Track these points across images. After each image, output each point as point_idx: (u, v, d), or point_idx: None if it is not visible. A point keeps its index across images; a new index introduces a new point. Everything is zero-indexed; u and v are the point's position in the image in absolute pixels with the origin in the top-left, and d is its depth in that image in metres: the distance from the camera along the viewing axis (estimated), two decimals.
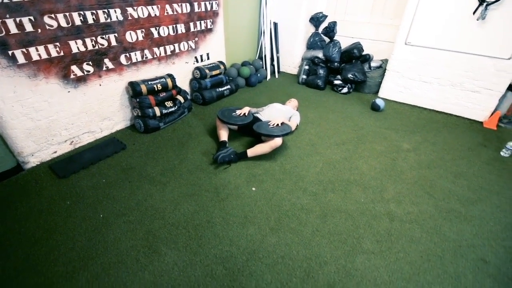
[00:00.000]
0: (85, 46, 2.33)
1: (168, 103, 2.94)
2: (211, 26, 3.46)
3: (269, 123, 2.54)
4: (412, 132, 3.05)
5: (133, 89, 2.67)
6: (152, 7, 2.70)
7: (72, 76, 2.33)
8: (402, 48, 3.47)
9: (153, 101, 2.78)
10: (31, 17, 1.96)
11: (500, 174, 2.42)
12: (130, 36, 2.63)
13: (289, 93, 3.98)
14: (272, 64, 4.64)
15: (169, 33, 2.98)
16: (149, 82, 2.76)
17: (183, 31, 3.12)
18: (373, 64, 4.00)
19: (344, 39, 4.29)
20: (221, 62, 3.65)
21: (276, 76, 4.69)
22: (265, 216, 1.90)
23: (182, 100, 3.09)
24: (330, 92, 4.12)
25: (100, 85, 2.56)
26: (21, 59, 2.00)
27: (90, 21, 2.29)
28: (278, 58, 4.67)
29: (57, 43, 2.15)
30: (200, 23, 3.29)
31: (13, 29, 1.91)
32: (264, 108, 2.93)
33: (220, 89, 3.63)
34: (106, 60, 2.52)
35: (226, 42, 3.88)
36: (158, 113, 2.82)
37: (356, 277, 1.53)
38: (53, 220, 1.82)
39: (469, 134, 3.06)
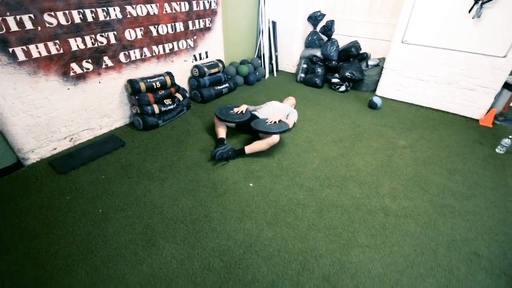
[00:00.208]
0: (85, 44, 2.36)
1: (167, 101, 2.96)
2: (209, 24, 3.49)
3: (266, 121, 2.57)
4: (409, 129, 3.09)
5: (132, 86, 2.70)
6: (151, 6, 2.73)
7: (71, 74, 2.36)
8: (399, 46, 3.50)
9: (152, 98, 2.81)
10: (31, 15, 1.99)
11: (495, 170, 2.45)
12: (129, 34, 2.65)
13: (288, 91, 4.01)
14: (270, 63, 4.67)
15: (167, 32, 3.00)
16: (148, 80, 2.79)
17: (182, 29, 3.15)
18: (370, 62, 4.03)
19: (342, 37, 4.32)
20: (219, 61, 3.68)
21: (275, 75, 4.71)
22: (262, 211, 1.93)
23: (180, 98, 3.11)
24: (328, 91, 4.14)
25: (99, 82, 2.58)
26: (21, 56, 2.02)
27: (90, 19, 2.32)
28: (276, 56, 4.70)
29: (57, 41, 2.18)
30: (199, 21, 3.32)
31: (14, 27, 1.93)
32: (262, 106, 2.96)
33: (218, 87, 3.65)
34: (105, 58, 2.55)
35: (225, 40, 3.91)
36: (157, 110, 2.84)
37: (351, 269, 1.56)
38: (53, 215, 1.85)
39: (465, 131, 3.09)
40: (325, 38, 4.41)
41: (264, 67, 4.56)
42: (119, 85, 2.76)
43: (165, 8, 2.87)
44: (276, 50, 4.66)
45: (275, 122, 2.55)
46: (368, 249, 1.68)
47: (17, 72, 2.04)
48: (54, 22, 2.12)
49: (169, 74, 3.01)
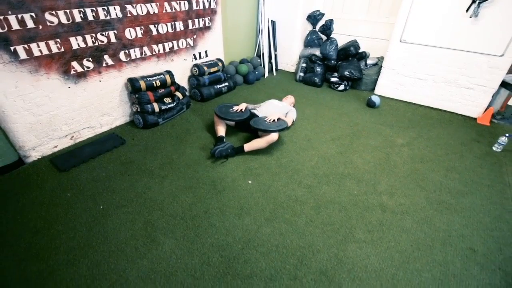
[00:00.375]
0: (85, 43, 2.38)
1: (167, 99, 2.99)
2: (209, 24, 3.51)
3: (265, 119, 2.59)
4: (407, 128, 3.11)
5: (132, 85, 2.72)
6: (151, 5, 2.75)
7: (72, 72, 2.38)
8: (397, 45, 3.53)
9: (152, 97, 2.83)
10: (33, 14, 2.01)
11: (491, 168, 2.48)
12: (129, 33, 2.68)
13: (287, 90, 4.03)
14: (270, 62, 4.69)
15: (167, 31, 3.03)
16: (148, 79, 2.81)
17: (182, 28, 3.17)
18: (369, 61, 4.06)
19: (341, 37, 4.35)
20: (219, 60, 3.70)
21: (274, 74, 4.74)
22: (260, 208, 1.95)
23: (180, 96, 3.14)
24: (327, 89, 4.17)
25: (100, 81, 2.61)
26: (22, 54, 2.05)
27: (90, 18, 2.34)
28: (276, 56, 4.72)
29: (58, 39, 2.20)
30: (198, 20, 3.34)
31: (15, 25, 1.95)
32: (261, 104, 2.98)
33: (218, 86, 3.68)
34: (106, 57, 2.57)
35: (224, 40, 3.93)
36: (157, 109, 2.87)
37: (348, 264, 1.59)
38: (54, 211, 1.87)
39: (463, 130, 3.11)
40: (324, 37, 4.44)
41: (264, 66, 4.58)
42: (119, 83, 2.78)
43: (165, 7, 2.89)
44: (275, 49, 4.68)
45: (274, 120, 2.57)
46: (365, 245, 1.71)
47: (18, 71, 2.06)
48: (55, 21, 2.14)
49: (169, 73, 3.03)
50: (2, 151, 2.21)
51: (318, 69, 4.23)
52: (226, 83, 3.79)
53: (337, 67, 4.14)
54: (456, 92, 3.37)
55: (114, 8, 2.47)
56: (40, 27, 2.08)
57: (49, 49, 2.18)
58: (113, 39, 2.56)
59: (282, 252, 1.64)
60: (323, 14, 4.34)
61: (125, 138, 2.70)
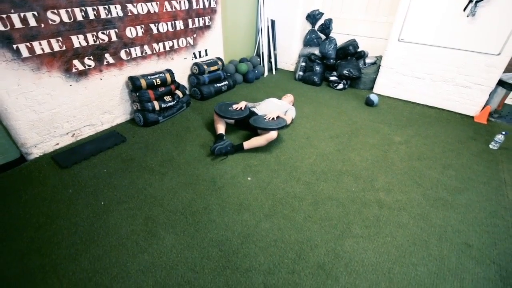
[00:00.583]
0: (87, 41, 2.40)
1: (167, 98, 3.01)
2: (209, 23, 3.54)
3: (265, 117, 2.62)
4: (405, 126, 3.14)
5: (133, 83, 2.75)
6: (152, 4, 2.77)
7: (74, 70, 2.41)
8: (395, 44, 3.55)
9: (153, 95, 2.86)
10: (35, 12, 2.04)
11: (488, 165, 2.51)
12: (130, 32, 2.70)
13: (286, 89, 4.06)
14: (269, 61, 4.72)
15: (168, 30, 3.05)
16: (149, 77, 2.84)
17: (182, 27, 3.20)
18: (367, 60, 4.08)
19: (339, 36, 4.37)
20: (219, 59, 3.72)
21: (273, 73, 4.76)
22: (259, 204, 1.98)
23: (180, 95, 3.16)
24: (326, 88, 4.20)
25: (101, 79, 2.63)
26: (25, 52, 2.07)
27: (91, 16, 2.37)
28: (275, 55, 4.75)
29: (60, 38, 2.23)
30: (198, 19, 3.37)
31: (18, 24, 1.98)
32: (261, 103, 3.01)
33: (218, 84, 3.70)
34: (107, 55, 2.60)
35: (224, 39, 3.96)
36: (157, 107, 2.89)
37: (345, 258, 1.62)
38: (56, 207, 1.90)
39: (460, 128, 3.15)
40: (323, 36, 4.47)
41: (263, 65, 4.61)
42: (120, 81, 2.81)
43: (165, 7, 2.92)
44: (275, 49, 4.71)
45: (273, 118, 2.60)
46: (362, 240, 1.74)
47: (21, 68, 2.09)
48: (57, 19, 2.17)
49: (169, 71, 3.06)
50: (4, 149, 2.23)
51: (317, 68, 4.26)
52: (226, 82, 3.82)
53: (336, 66, 4.17)
54: (454, 90, 3.40)
55: (115, 7, 2.50)
56: (42, 25, 2.10)
57: (51, 47, 2.20)
58: (114, 38, 2.59)
59: (281, 246, 1.67)
60: (322, 14, 4.37)
61: (126, 135, 2.72)
